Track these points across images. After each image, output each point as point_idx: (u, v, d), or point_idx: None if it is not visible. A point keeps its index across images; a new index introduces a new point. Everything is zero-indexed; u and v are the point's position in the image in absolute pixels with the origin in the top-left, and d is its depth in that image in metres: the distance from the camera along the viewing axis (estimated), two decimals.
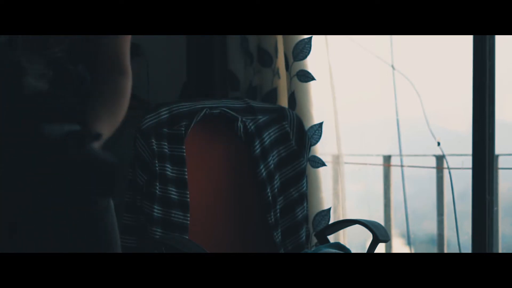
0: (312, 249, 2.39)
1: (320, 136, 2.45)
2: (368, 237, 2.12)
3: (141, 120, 2.15)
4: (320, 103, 2.48)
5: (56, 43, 1.56)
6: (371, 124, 3.47)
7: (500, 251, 2.87)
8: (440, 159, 3.39)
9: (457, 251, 2.73)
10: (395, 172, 3.55)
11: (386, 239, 2.11)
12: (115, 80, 1.61)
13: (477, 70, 2.32)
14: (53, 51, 1.56)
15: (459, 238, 2.70)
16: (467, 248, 2.59)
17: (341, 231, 2.46)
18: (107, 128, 1.60)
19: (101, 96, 1.60)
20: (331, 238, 2.32)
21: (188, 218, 2.15)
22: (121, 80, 1.62)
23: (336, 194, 2.57)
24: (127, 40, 1.64)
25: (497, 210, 2.66)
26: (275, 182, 2.28)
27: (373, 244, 2.10)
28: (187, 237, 2.12)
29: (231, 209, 2.29)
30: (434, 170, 3.45)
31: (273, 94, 2.56)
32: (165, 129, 2.17)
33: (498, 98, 2.33)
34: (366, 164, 3.57)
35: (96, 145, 1.49)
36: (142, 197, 2.13)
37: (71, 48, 1.58)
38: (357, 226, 2.20)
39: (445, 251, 3.38)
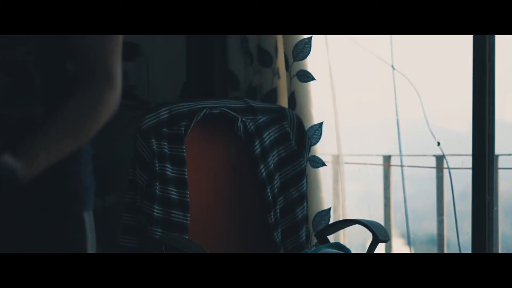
0: (312, 249, 2.39)
1: (320, 136, 2.45)
2: (368, 237, 2.12)
3: (141, 120, 2.15)
4: (320, 103, 2.48)
5: (18, 43, 1.37)
6: (371, 124, 3.46)
7: (500, 251, 2.87)
8: (440, 159, 3.39)
9: (457, 251, 2.73)
10: (395, 172, 3.55)
11: (386, 239, 2.11)
12: (93, 91, 1.39)
13: (477, 70, 2.32)
14: (13, 53, 1.38)
15: (459, 238, 2.70)
16: (467, 248, 2.59)
17: (341, 231, 2.46)
18: (65, 147, 1.38)
19: (69, 107, 1.38)
20: (331, 238, 2.32)
21: (188, 218, 2.15)
22: (102, 90, 1.40)
23: (336, 194, 2.57)
24: (116, 43, 1.42)
25: (497, 210, 2.66)
26: (275, 182, 2.28)
27: (373, 244, 2.10)
28: (187, 237, 2.12)
29: (231, 209, 2.29)
30: (434, 170, 3.45)
31: (273, 94, 2.56)
32: (165, 129, 2.17)
33: (498, 98, 2.33)
34: (366, 164, 3.57)
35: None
36: (142, 197, 2.13)
37: (39, 49, 1.39)
38: (357, 226, 2.20)
39: (445, 251, 3.38)
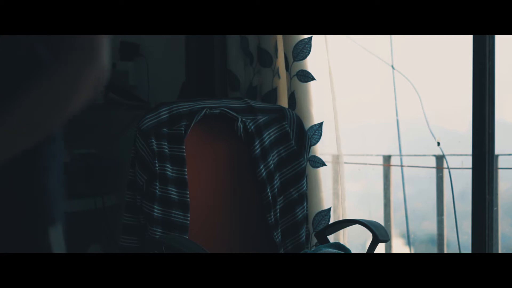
0: (312, 249, 2.39)
1: (320, 136, 2.45)
2: (368, 237, 2.12)
3: (141, 120, 2.15)
4: (320, 103, 2.49)
5: None
6: (371, 124, 3.47)
7: (500, 251, 2.87)
8: (440, 159, 3.39)
9: (457, 251, 2.73)
10: (395, 172, 3.56)
11: (386, 239, 2.11)
12: (70, 66, 1.09)
13: (477, 70, 2.32)
14: None
15: (459, 238, 2.70)
16: (467, 248, 2.60)
17: (341, 231, 2.46)
18: (20, 139, 1.07)
19: (38, 87, 1.07)
20: (331, 238, 2.32)
21: (188, 218, 2.15)
22: (81, 65, 1.09)
23: (336, 194, 2.57)
24: None
25: (497, 210, 2.67)
26: (275, 182, 2.28)
27: (373, 244, 2.10)
28: (187, 237, 2.12)
29: (231, 209, 2.29)
30: (434, 170, 3.46)
31: (273, 94, 2.56)
32: (165, 129, 2.17)
33: (498, 98, 2.33)
34: (366, 164, 3.57)
35: None
36: (142, 197, 2.13)
37: None
38: (357, 226, 2.20)
39: (445, 251, 3.39)
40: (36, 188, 1.19)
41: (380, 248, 2.18)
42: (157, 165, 2.13)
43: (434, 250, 3.50)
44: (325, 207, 2.44)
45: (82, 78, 1.10)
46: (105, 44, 1.15)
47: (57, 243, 1.22)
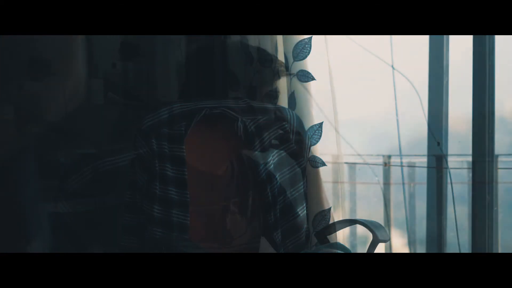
0: (312, 249, 2.39)
1: (320, 136, 2.45)
2: (368, 237, 2.12)
3: (141, 120, 2.15)
4: (320, 103, 2.48)
5: None
6: (371, 124, 3.46)
7: (499, 251, 2.87)
8: (440, 159, 3.39)
9: (457, 251, 2.73)
10: (395, 172, 3.55)
11: (386, 239, 2.11)
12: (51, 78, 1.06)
13: (477, 70, 2.32)
14: None
15: (459, 238, 2.70)
16: (467, 248, 2.59)
17: (341, 231, 2.46)
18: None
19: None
20: (331, 238, 2.32)
21: (188, 218, 2.14)
22: (59, 78, 1.07)
23: (336, 194, 2.57)
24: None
25: (497, 210, 2.66)
26: (275, 182, 2.28)
27: (373, 244, 2.10)
28: (187, 237, 2.12)
29: (230, 209, 2.28)
30: (434, 170, 3.45)
31: (273, 94, 2.55)
32: (165, 129, 2.17)
33: (498, 98, 2.33)
34: (366, 164, 3.57)
35: None
36: (142, 197, 2.13)
37: None
38: (357, 226, 2.20)
39: (445, 251, 3.38)
40: (9, 204, 1.12)
41: (380, 248, 2.18)
42: (157, 165, 2.13)
43: (434, 250, 3.50)
44: (325, 207, 2.44)
45: (57, 87, 1.04)
46: (79, 54, 1.11)
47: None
